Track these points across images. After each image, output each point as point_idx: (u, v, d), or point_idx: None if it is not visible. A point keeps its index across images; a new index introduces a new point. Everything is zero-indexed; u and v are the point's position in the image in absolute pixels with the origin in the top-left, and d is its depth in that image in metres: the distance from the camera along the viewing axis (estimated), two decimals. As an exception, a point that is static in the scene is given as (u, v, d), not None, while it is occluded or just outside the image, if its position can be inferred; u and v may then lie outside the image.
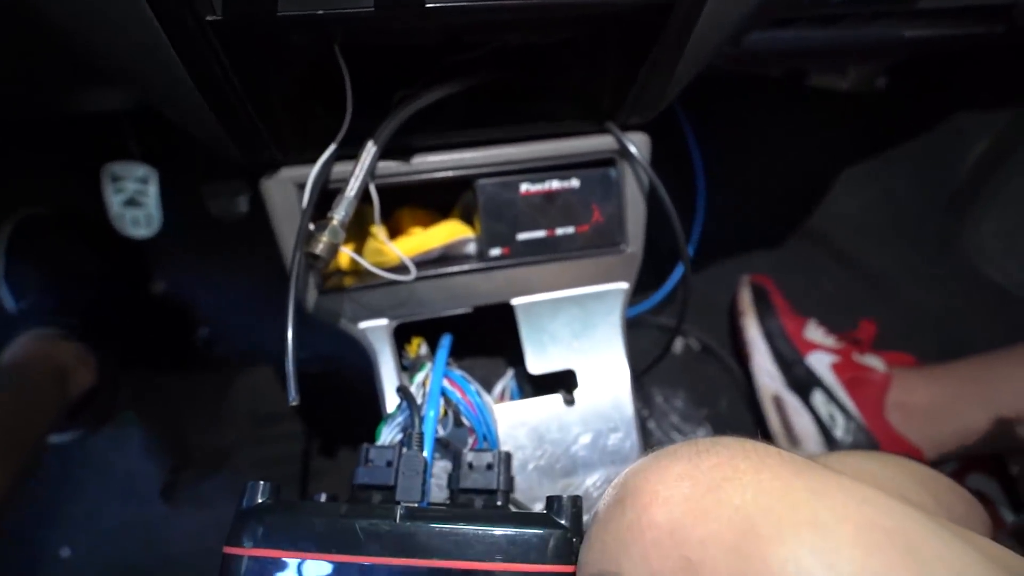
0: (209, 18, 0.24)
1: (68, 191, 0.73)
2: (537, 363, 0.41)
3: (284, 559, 0.24)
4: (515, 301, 0.43)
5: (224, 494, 0.72)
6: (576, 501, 0.27)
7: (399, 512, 0.25)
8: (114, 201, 0.55)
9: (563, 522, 0.26)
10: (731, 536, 0.18)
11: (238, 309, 0.80)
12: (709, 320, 0.82)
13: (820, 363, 0.69)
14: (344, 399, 0.60)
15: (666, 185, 0.41)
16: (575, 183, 0.41)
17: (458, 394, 0.33)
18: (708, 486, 0.20)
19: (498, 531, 0.25)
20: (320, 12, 0.26)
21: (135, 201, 0.59)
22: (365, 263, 0.38)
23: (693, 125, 0.73)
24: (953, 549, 0.17)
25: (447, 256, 0.44)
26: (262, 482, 0.26)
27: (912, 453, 0.59)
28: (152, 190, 0.58)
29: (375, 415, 0.36)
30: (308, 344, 0.34)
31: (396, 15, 0.27)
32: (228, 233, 0.57)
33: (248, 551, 0.24)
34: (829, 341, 0.70)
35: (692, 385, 0.79)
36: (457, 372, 0.36)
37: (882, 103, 0.80)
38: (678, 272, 0.72)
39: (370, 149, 0.36)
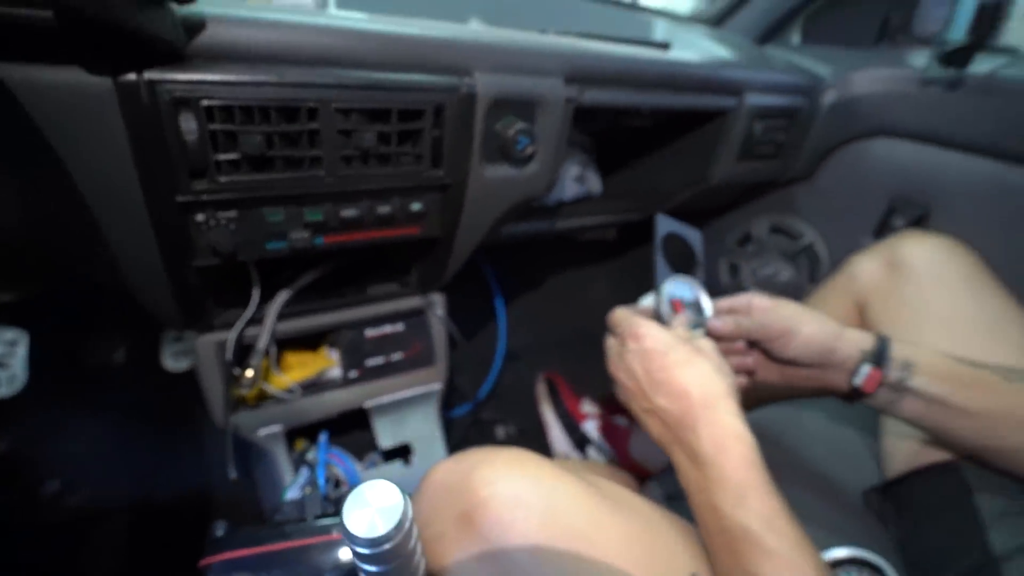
0: (197, 264, 0.48)
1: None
2: (385, 441, 0.64)
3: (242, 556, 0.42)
4: (367, 404, 0.66)
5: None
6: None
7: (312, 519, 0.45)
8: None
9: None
10: (462, 481, 0.41)
11: (94, 458, 0.85)
12: (521, 409, 1.11)
13: (591, 427, 1.00)
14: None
15: (480, 314, 0.70)
16: (400, 327, 0.68)
17: (338, 463, 0.55)
18: (471, 463, 0.44)
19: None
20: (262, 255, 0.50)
21: (1, 363, 0.68)
22: (270, 389, 0.59)
23: (499, 270, 1.06)
24: (571, 479, 0.43)
25: (319, 380, 0.66)
26: (221, 521, 0.45)
27: (638, 470, 0.90)
28: (21, 351, 0.67)
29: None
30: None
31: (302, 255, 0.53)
32: (87, 384, 0.66)
33: (216, 557, 0.42)
34: (595, 410, 1.03)
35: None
36: (336, 449, 0.57)
37: (614, 246, 1.25)
38: (491, 378, 1.02)
39: (270, 316, 0.59)
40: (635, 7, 0.99)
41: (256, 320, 0.58)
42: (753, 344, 0.50)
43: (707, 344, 0.45)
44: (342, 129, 0.46)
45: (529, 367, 1.15)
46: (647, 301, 0.53)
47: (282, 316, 0.61)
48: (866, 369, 0.45)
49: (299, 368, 0.65)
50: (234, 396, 0.58)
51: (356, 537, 0.24)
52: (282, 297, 0.59)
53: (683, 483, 0.41)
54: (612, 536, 0.37)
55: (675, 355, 0.43)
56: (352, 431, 0.68)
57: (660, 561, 0.37)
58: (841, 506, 0.56)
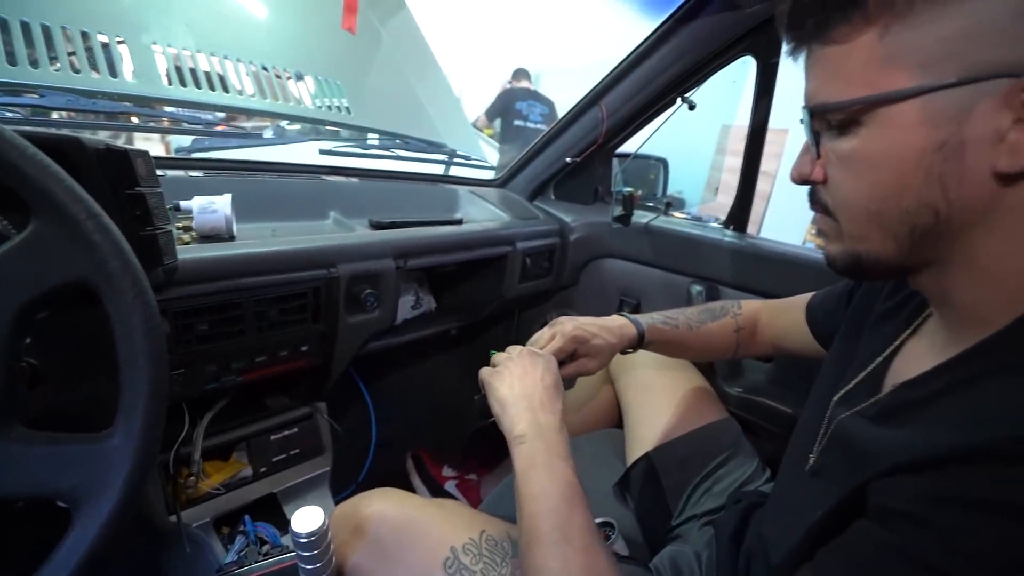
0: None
1: None
2: (290, 513, 0.88)
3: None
4: (276, 490, 0.90)
5: None
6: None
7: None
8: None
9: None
10: (352, 509, 0.70)
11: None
12: (396, 483, 1.37)
13: (451, 486, 1.30)
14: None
15: (356, 412, 0.99)
16: (295, 429, 0.95)
17: (263, 531, 0.79)
18: (358, 499, 0.72)
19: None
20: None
21: None
22: (203, 489, 0.82)
23: (367, 377, 1.34)
24: (420, 499, 0.74)
25: (234, 479, 0.89)
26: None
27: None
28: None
29: None
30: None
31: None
32: None
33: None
34: (453, 473, 1.34)
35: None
36: (259, 523, 0.81)
37: (458, 340, 1.60)
38: (368, 462, 1.28)
39: (199, 435, 0.83)
40: (446, 178, 1.42)
41: (187, 440, 0.82)
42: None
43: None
44: (257, 311, 0.76)
45: (400, 448, 1.42)
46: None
47: (204, 436, 0.85)
48: (630, 348, 0.76)
49: (217, 473, 0.88)
50: (180, 499, 0.79)
51: (300, 533, 0.53)
52: (206, 420, 0.84)
53: (522, 460, 0.54)
54: (439, 520, 0.68)
55: (541, 362, 0.63)
56: (265, 513, 0.91)
57: (466, 529, 0.69)
58: (606, 496, 0.92)
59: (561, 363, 0.69)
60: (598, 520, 0.83)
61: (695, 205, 6.02)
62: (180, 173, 0.91)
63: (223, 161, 1.00)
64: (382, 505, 0.68)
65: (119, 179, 0.54)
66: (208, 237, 0.77)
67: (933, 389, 0.39)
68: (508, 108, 4.03)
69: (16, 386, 0.42)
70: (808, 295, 0.76)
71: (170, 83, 0.98)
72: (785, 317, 0.80)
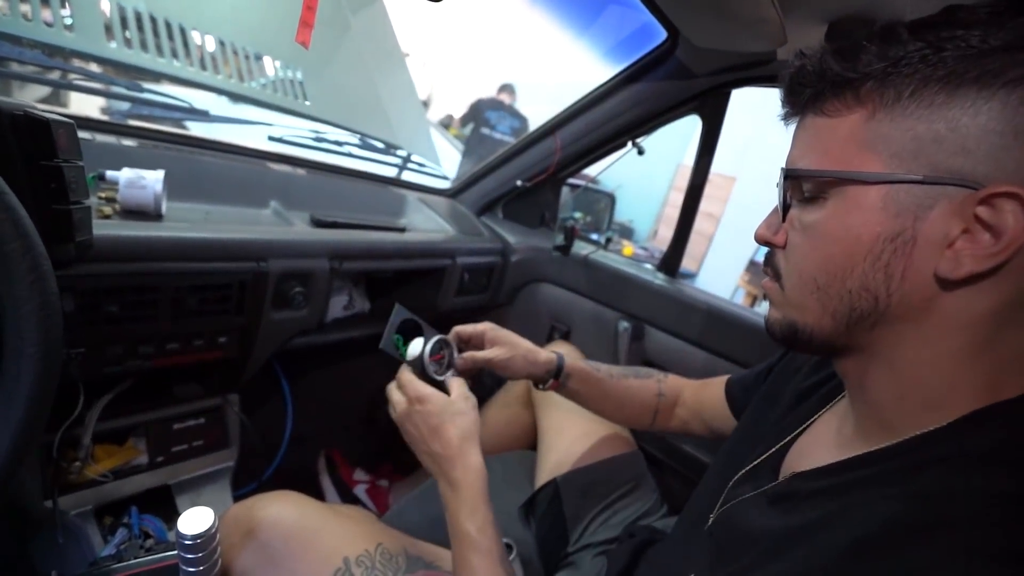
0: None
1: None
2: (183, 507, 0.85)
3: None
4: (170, 481, 0.87)
5: None
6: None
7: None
8: None
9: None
10: (247, 511, 0.69)
11: None
12: (305, 481, 1.34)
13: (360, 490, 1.29)
14: None
15: (274, 406, 0.96)
16: (202, 420, 0.91)
17: (149, 524, 0.75)
18: (252, 501, 0.70)
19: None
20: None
21: None
22: (88, 476, 0.77)
23: (290, 371, 1.30)
24: (316, 503, 0.73)
25: (125, 466, 0.85)
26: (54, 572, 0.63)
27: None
28: None
29: None
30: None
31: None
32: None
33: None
34: (365, 476, 1.32)
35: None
36: (146, 515, 0.77)
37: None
38: (279, 458, 1.24)
39: (92, 418, 0.78)
40: (396, 182, 1.42)
41: (78, 422, 0.77)
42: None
43: (462, 398, 0.66)
44: (175, 298, 0.73)
45: (314, 447, 1.39)
46: (415, 348, 0.68)
47: (99, 419, 0.80)
48: (550, 380, 0.78)
49: (108, 458, 0.83)
50: (59, 483, 0.75)
51: (186, 535, 0.52)
52: (102, 402, 0.80)
53: (444, 502, 0.62)
54: (336, 529, 0.68)
55: (445, 415, 0.63)
56: (156, 505, 0.87)
57: (362, 540, 0.70)
58: (511, 517, 0.94)
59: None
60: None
61: (645, 233, 6.29)
62: (111, 139, 0.86)
63: (161, 132, 0.96)
64: (279, 509, 0.68)
65: (36, 149, 0.51)
66: (133, 213, 0.74)
67: (821, 488, 0.40)
68: (479, 115, 4.06)
69: None
70: (727, 376, 0.79)
71: (112, 42, 0.93)
72: (705, 392, 0.81)
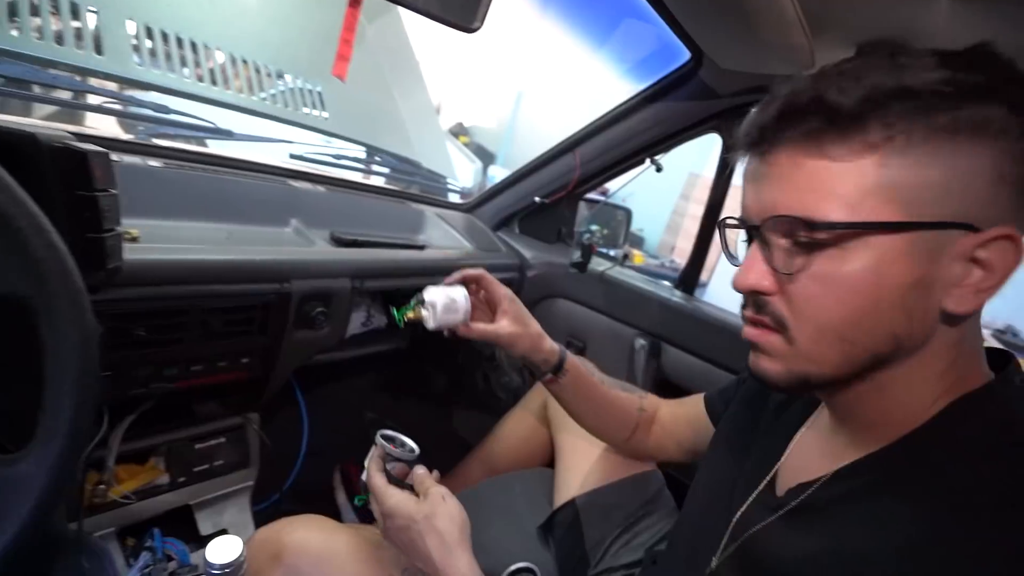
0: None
1: None
2: (206, 529, 0.85)
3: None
4: (191, 501, 0.87)
5: None
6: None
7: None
8: None
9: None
10: (274, 535, 0.68)
11: None
12: (322, 496, 1.33)
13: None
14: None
15: (291, 422, 0.96)
16: (223, 439, 0.91)
17: (172, 547, 0.75)
18: (279, 525, 0.70)
19: None
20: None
21: None
22: (111, 497, 0.77)
23: (309, 387, 1.30)
24: (342, 528, 0.73)
25: (147, 487, 0.85)
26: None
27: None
28: None
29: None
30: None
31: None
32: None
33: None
34: (381, 493, 1.32)
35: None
36: (168, 538, 0.77)
37: (406, 355, 1.58)
38: (294, 474, 1.24)
39: (116, 439, 0.78)
40: (414, 197, 1.42)
41: (101, 443, 0.77)
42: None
43: (437, 499, 0.58)
44: (202, 320, 0.73)
45: (330, 461, 1.39)
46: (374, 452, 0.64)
47: (123, 441, 0.80)
48: (548, 375, 0.76)
49: (131, 479, 0.83)
50: (84, 505, 0.75)
51: (215, 564, 0.52)
52: (126, 423, 0.80)
53: None
54: (363, 554, 0.68)
55: (415, 529, 0.56)
56: (177, 525, 0.87)
57: (389, 564, 0.69)
58: (530, 537, 0.93)
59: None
60: (520, 566, 0.84)
61: (655, 241, 6.27)
62: (136, 160, 0.87)
63: (185, 152, 0.96)
64: (306, 533, 0.67)
65: (73, 181, 0.51)
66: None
67: (838, 494, 0.41)
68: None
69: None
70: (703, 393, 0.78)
71: (140, 63, 0.94)
72: (681, 409, 0.81)
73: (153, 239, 0.73)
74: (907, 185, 0.35)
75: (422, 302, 0.69)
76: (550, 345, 0.76)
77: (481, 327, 0.73)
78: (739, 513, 0.50)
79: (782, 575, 0.42)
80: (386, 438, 0.63)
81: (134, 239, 0.71)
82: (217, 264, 0.75)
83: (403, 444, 0.64)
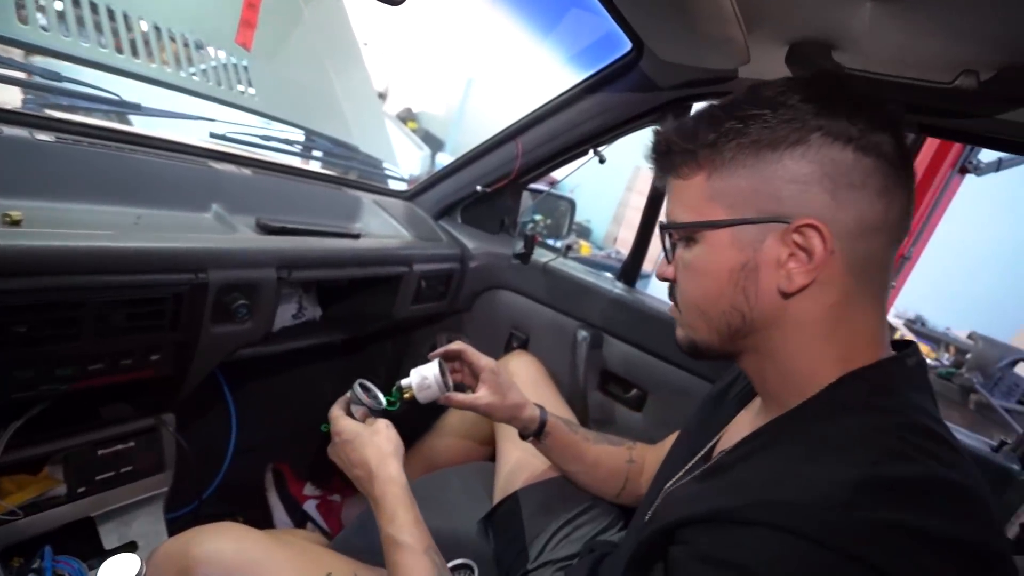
0: None
1: None
2: (111, 543, 0.78)
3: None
4: (93, 513, 0.79)
5: None
6: None
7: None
8: None
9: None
10: (182, 547, 0.63)
11: None
12: (252, 499, 1.26)
13: (311, 506, 1.23)
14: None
15: (216, 419, 0.89)
16: (131, 443, 0.84)
17: (66, 566, 0.68)
18: (187, 536, 0.65)
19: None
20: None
21: None
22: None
23: (235, 382, 1.22)
24: (260, 535, 0.68)
25: (40, 499, 0.76)
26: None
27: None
28: None
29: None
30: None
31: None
32: None
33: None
34: (315, 491, 1.26)
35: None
36: (62, 556, 0.70)
37: (341, 350, 1.52)
38: (220, 475, 1.17)
39: (-1, 450, 0.70)
40: (351, 183, 1.35)
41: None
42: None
43: (381, 424, 0.69)
44: (99, 315, 0.66)
45: (260, 461, 1.32)
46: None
47: (8, 447, 0.72)
48: (530, 437, 0.82)
49: (19, 491, 0.75)
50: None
51: None
52: (11, 430, 0.71)
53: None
54: (282, 561, 0.64)
55: (358, 440, 0.67)
56: (75, 540, 0.79)
57: (310, 570, 0.65)
58: (469, 533, 0.91)
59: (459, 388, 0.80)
60: (458, 561, 0.83)
61: (601, 232, 6.37)
62: (22, 131, 0.76)
63: (85, 126, 0.86)
64: (216, 544, 0.62)
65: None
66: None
67: (739, 455, 0.49)
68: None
69: None
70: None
71: (25, 23, 0.83)
72: (662, 450, 0.81)
73: (39, 223, 0.64)
74: (727, 192, 0.47)
75: (400, 387, 0.78)
76: (529, 413, 0.82)
77: (460, 397, 0.79)
78: (672, 480, 0.59)
79: (676, 513, 0.47)
80: (363, 387, 0.72)
81: (15, 223, 0.62)
82: (117, 251, 0.67)
83: (375, 397, 0.73)
